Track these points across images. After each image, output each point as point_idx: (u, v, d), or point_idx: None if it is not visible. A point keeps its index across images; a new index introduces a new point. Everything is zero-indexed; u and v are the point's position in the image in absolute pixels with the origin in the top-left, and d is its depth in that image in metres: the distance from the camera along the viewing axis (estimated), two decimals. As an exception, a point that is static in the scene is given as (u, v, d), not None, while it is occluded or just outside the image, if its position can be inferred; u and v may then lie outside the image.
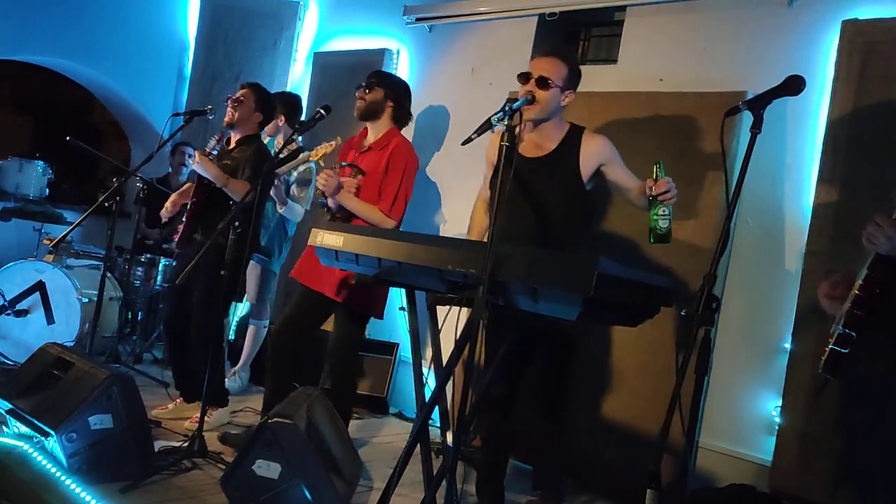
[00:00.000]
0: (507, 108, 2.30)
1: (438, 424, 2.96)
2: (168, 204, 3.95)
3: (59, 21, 5.68)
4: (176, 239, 3.81)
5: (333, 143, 3.63)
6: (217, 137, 3.80)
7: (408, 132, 5.03)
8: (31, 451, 2.86)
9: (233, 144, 3.85)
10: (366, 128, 3.59)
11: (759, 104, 2.07)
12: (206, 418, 3.26)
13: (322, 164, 3.76)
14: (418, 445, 2.61)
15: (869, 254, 2.22)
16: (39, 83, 7.57)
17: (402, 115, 3.57)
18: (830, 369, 2.25)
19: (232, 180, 3.60)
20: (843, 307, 2.25)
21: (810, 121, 3.47)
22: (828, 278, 2.44)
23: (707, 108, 3.60)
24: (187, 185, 4.15)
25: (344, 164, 3.50)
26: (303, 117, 4.80)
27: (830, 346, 2.24)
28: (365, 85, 3.50)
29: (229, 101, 3.80)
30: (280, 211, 4.42)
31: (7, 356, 4.37)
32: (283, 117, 4.51)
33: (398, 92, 3.54)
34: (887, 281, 2.17)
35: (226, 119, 3.80)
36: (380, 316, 3.55)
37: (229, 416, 3.86)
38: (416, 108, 5.06)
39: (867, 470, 2.33)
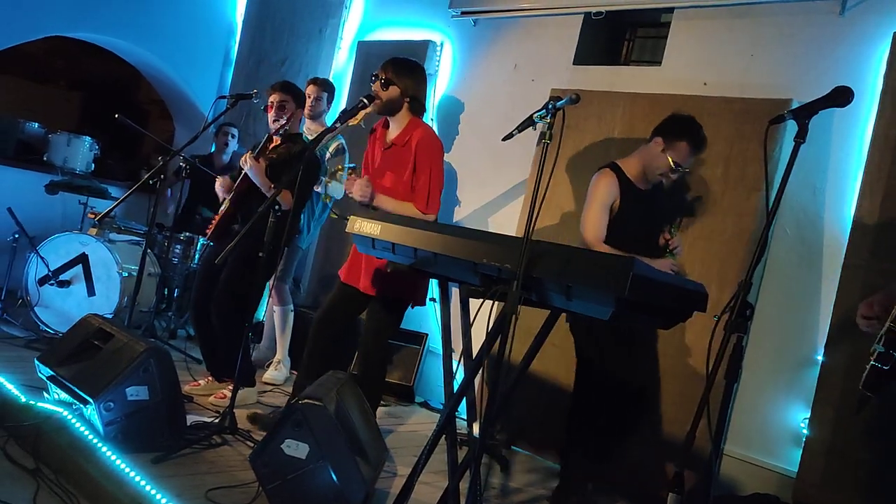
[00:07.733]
0: (549, 107, 2.30)
1: (465, 416, 2.99)
2: (223, 191, 3.95)
3: (113, 1, 5.80)
4: (209, 231, 3.86)
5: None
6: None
7: (447, 124, 5.08)
8: (69, 417, 2.96)
9: (277, 141, 3.91)
10: (386, 118, 3.56)
11: (804, 114, 2.04)
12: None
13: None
14: (444, 436, 2.65)
15: None
16: (90, 60, 7.74)
17: (419, 108, 3.51)
18: (870, 386, 2.26)
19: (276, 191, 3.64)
20: (883, 326, 2.25)
21: (856, 133, 3.43)
22: (866, 299, 2.43)
23: (751, 114, 3.56)
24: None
25: (350, 165, 3.50)
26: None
27: (871, 363, 2.25)
28: (382, 80, 3.41)
29: (274, 111, 3.82)
30: (317, 189, 4.40)
31: (48, 325, 4.50)
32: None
33: (415, 87, 3.46)
34: None
35: (277, 127, 3.83)
36: (422, 303, 3.57)
37: (257, 396, 3.92)
38: (457, 100, 5.11)
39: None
